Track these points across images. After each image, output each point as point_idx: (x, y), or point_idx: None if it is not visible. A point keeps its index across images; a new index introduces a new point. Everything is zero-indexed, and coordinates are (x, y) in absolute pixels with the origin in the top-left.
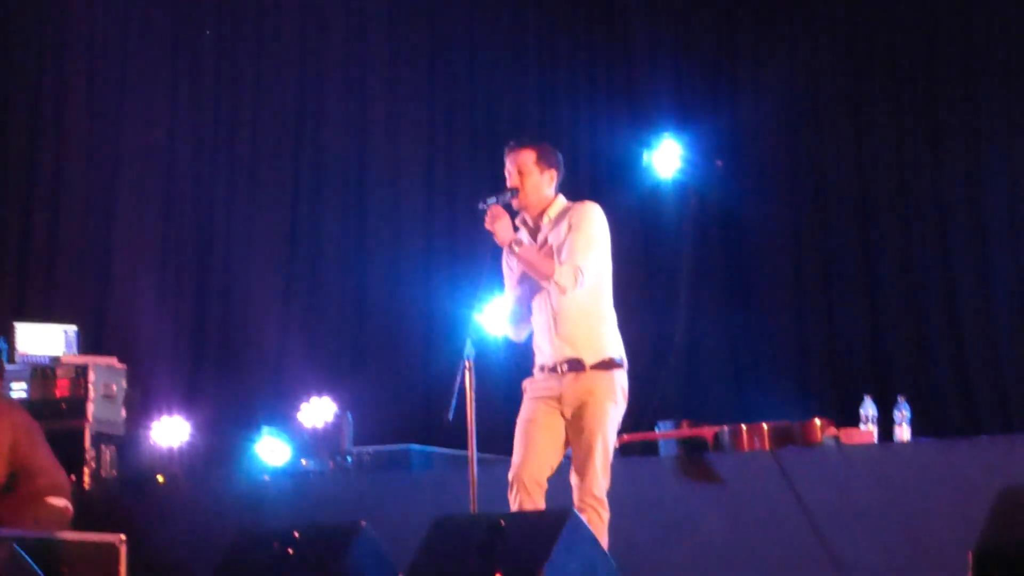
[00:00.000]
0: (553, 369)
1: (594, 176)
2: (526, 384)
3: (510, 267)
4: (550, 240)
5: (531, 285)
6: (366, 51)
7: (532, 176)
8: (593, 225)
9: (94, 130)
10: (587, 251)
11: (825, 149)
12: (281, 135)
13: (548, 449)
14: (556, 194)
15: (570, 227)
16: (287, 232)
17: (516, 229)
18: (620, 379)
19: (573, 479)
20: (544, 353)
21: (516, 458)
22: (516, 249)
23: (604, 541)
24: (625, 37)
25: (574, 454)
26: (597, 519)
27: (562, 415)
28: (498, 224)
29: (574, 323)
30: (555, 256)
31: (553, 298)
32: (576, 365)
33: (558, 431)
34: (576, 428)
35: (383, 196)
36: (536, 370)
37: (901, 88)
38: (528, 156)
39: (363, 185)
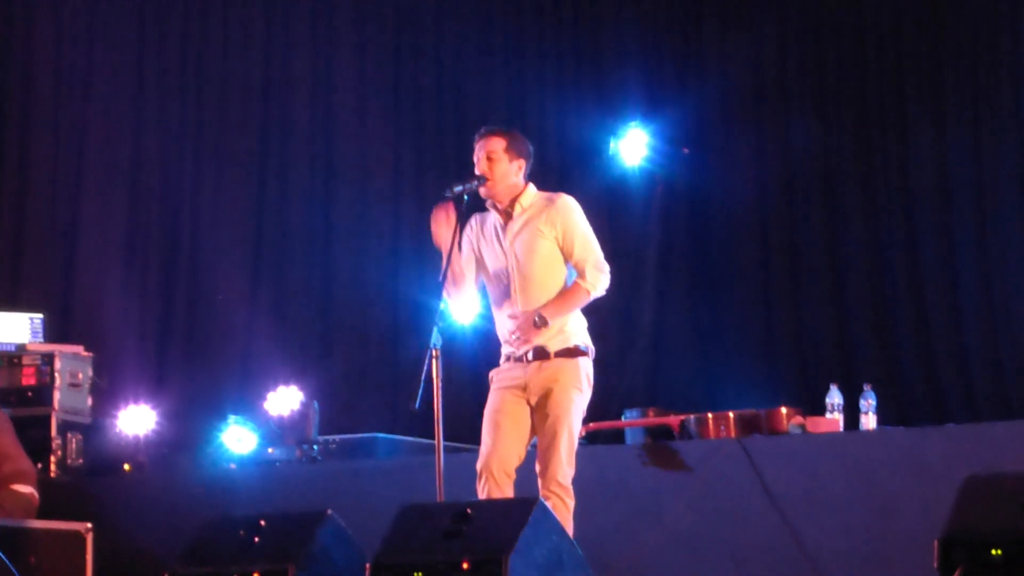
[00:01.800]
0: (519, 358)
1: (561, 164)
2: (492, 374)
3: (472, 249)
4: (525, 232)
5: (496, 273)
6: (332, 37)
7: (501, 163)
8: (582, 221)
9: (60, 119)
10: (591, 244)
11: (791, 138)
12: (247, 123)
13: (516, 439)
14: (526, 183)
15: (555, 228)
16: (254, 220)
17: (484, 210)
18: (585, 367)
19: (538, 467)
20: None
21: (484, 449)
22: (548, 318)
23: (569, 529)
24: (592, 25)
25: (539, 442)
26: (562, 507)
27: (528, 404)
28: (528, 332)
29: None
30: (535, 249)
31: (520, 288)
32: (541, 353)
33: (525, 420)
34: (541, 416)
35: (350, 184)
36: (502, 359)
37: (867, 76)
38: (498, 143)
39: (330, 173)
